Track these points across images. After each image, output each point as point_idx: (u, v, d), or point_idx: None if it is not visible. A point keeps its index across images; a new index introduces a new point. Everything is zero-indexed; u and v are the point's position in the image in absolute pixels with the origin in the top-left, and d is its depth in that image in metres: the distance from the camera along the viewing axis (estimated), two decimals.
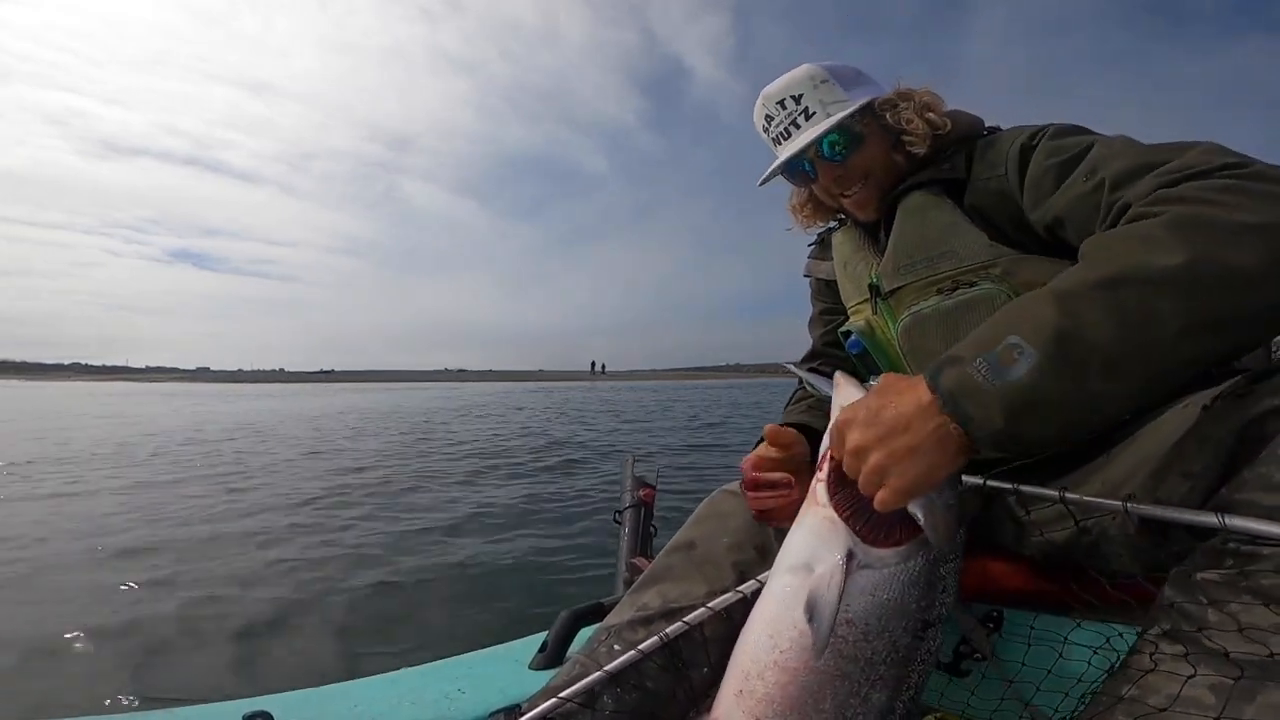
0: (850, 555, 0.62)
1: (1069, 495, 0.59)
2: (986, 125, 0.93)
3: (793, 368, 1.08)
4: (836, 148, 0.92)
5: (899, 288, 0.87)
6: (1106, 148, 0.71)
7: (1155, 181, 0.61)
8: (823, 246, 1.14)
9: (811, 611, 0.61)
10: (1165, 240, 0.54)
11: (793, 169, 0.96)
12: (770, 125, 0.96)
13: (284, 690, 0.95)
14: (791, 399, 1.14)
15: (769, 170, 0.98)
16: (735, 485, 0.93)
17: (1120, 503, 0.55)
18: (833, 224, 1.12)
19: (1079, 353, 0.53)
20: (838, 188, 0.95)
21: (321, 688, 0.97)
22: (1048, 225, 0.76)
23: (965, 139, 0.89)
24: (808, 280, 1.20)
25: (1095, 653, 0.74)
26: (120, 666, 2.04)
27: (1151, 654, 0.54)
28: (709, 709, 0.71)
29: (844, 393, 0.70)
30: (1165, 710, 0.51)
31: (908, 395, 0.59)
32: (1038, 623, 0.81)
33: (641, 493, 1.96)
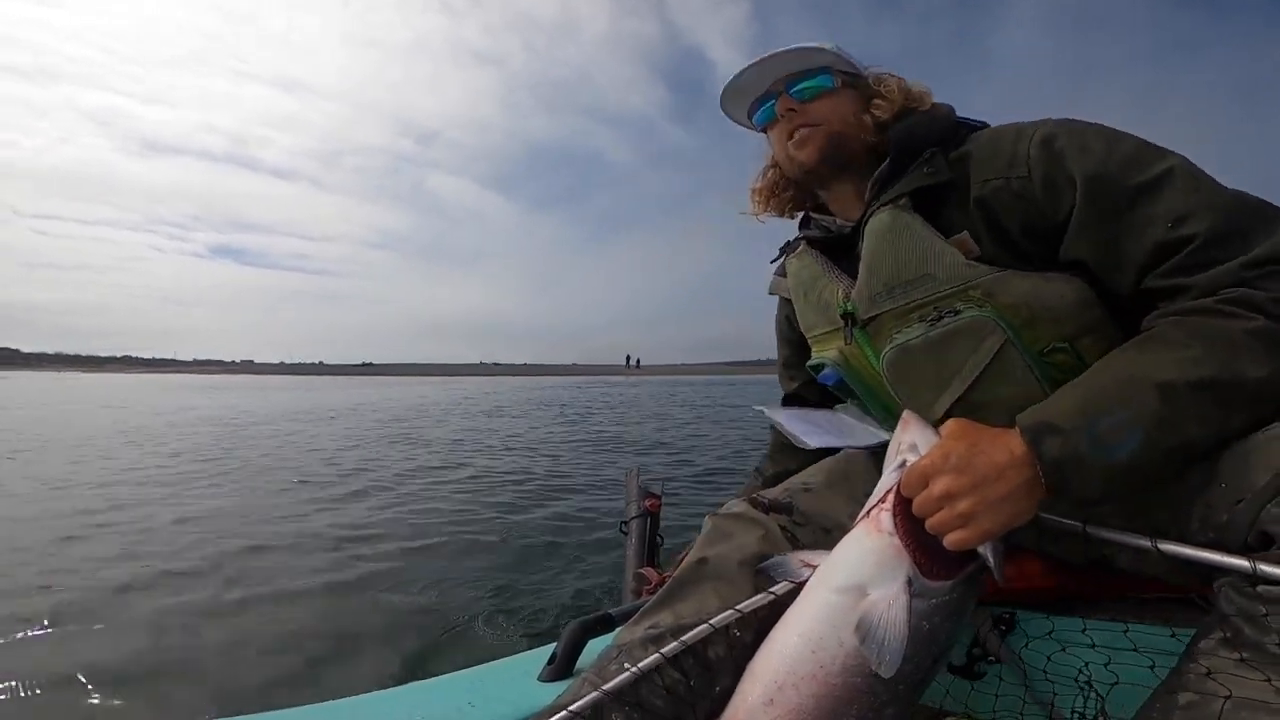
0: (909, 582, 0.64)
1: (1090, 528, 0.66)
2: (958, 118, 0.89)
3: (771, 416, 1.03)
4: (806, 91, 0.91)
5: (876, 315, 0.84)
6: (1191, 192, 0.67)
7: (1239, 274, 0.63)
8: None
9: (865, 633, 0.62)
10: (1252, 351, 0.60)
11: (760, 101, 0.96)
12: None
13: (287, 706, 0.94)
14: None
15: (734, 76, 0.94)
16: (734, 506, 0.91)
17: (1149, 542, 0.61)
18: (787, 240, 1.08)
19: (1175, 442, 0.60)
20: (788, 124, 0.93)
21: (327, 703, 0.97)
22: (1098, 247, 0.71)
23: (942, 141, 0.83)
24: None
25: (1105, 649, 0.73)
26: (121, 679, 2.02)
27: (1209, 661, 0.56)
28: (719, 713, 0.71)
29: (913, 431, 0.71)
30: (1228, 714, 0.53)
31: (999, 445, 0.63)
32: (1049, 624, 0.80)
33: (647, 503, 1.96)
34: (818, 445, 0.95)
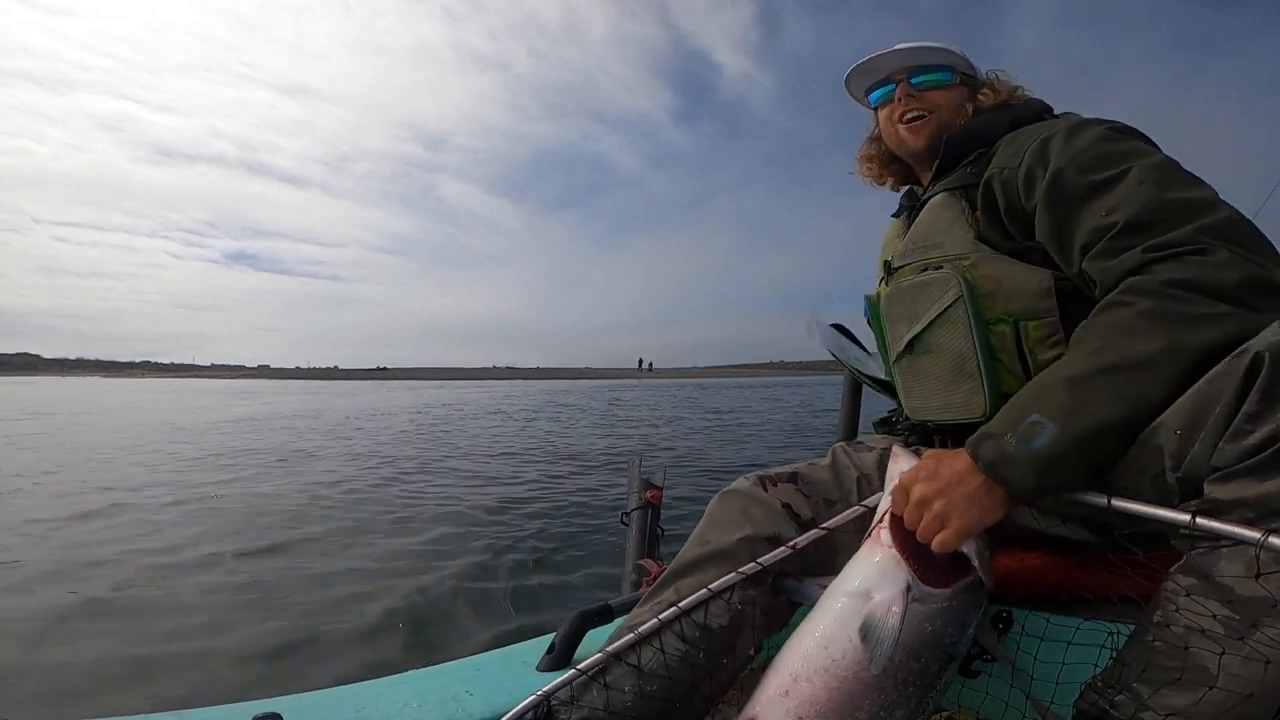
0: (908, 589, 0.71)
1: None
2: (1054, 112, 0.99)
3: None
4: (925, 83, 1.04)
5: (900, 267, 1.01)
6: (1136, 185, 0.75)
7: (1141, 258, 0.72)
8: None
9: (865, 631, 0.70)
10: (1144, 330, 0.68)
11: (881, 84, 1.09)
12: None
13: (294, 692, 0.96)
14: None
15: (866, 58, 1.07)
16: (740, 483, 0.96)
17: (1105, 499, 0.68)
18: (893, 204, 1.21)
19: (1089, 425, 0.67)
20: (903, 106, 1.05)
21: (330, 689, 0.98)
22: (1053, 230, 0.81)
23: (993, 141, 0.95)
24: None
25: (1101, 649, 0.73)
26: (130, 667, 2.06)
27: (1175, 587, 0.65)
28: (734, 701, 0.75)
29: (901, 460, 0.81)
30: (1184, 636, 0.62)
31: (959, 458, 0.73)
32: (1045, 622, 0.80)
33: (648, 494, 1.95)
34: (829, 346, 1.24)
